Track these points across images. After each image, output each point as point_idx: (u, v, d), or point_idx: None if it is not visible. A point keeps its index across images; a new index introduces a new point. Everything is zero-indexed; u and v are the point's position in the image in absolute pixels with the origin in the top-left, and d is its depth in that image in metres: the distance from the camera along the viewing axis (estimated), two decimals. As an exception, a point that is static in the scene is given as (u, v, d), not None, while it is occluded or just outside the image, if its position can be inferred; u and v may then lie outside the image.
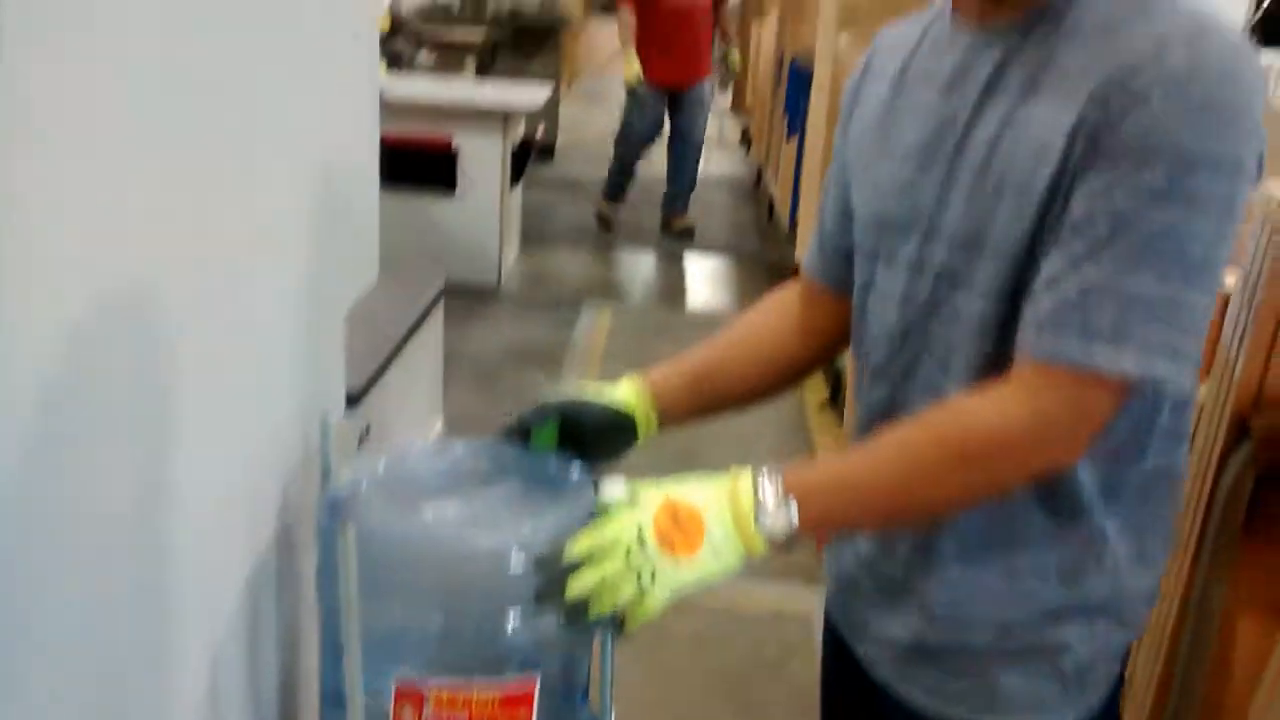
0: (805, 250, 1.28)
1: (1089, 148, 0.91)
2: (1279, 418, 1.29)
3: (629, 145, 6.04)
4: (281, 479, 1.16)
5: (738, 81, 9.16)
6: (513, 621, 1.07)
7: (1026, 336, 0.94)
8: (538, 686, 1.08)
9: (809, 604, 2.78)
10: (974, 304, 1.00)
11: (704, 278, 5.73)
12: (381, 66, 4.75)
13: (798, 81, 5.20)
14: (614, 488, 1.08)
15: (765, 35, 7.06)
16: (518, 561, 1.06)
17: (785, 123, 5.65)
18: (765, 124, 6.87)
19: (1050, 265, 0.93)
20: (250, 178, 1.05)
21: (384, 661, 1.08)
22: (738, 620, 2.78)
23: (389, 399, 1.63)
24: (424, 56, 5.76)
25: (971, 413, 0.96)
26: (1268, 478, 1.30)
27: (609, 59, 9.59)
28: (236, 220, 1.02)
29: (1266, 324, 1.31)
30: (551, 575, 0.96)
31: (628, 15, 5.69)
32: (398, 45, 5.60)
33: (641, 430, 1.20)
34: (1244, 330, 1.32)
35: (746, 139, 8.51)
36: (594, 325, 4.76)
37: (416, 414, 2.09)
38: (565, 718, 1.17)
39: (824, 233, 1.24)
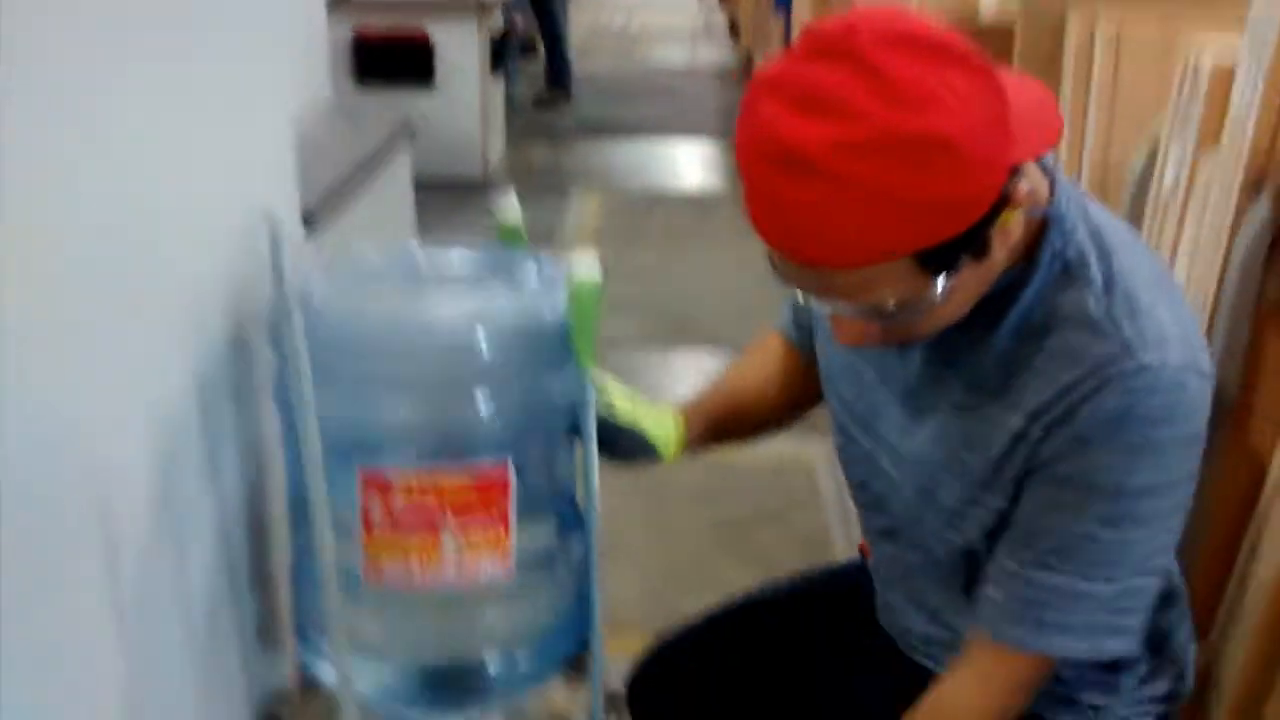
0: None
1: (1033, 459, 0.95)
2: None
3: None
4: (228, 281, 1.08)
5: (722, -30, 8.95)
6: (481, 403, 1.01)
7: (984, 613, 1.01)
8: (512, 473, 1.02)
9: (811, 455, 2.74)
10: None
11: (695, 161, 5.61)
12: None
13: (780, -45, 5.05)
14: (586, 264, 1.01)
15: (746, -86, 6.85)
16: (482, 337, 0.99)
17: (771, 1, 5.51)
18: (751, 4, 6.71)
19: (1004, 559, 0.99)
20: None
21: (350, 459, 1.01)
22: (739, 473, 2.73)
23: (352, 228, 1.54)
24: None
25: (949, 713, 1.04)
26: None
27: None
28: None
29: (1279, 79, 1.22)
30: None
31: None
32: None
33: (664, 456, 1.17)
34: (1255, 87, 1.23)
35: (735, 29, 8.33)
36: (584, 209, 4.68)
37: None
38: (546, 511, 1.11)
39: (797, 313, 1.24)
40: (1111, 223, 0.98)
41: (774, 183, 0.81)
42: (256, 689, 1.21)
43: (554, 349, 1.03)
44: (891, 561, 1.17)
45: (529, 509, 1.07)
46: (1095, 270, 0.93)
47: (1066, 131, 1.70)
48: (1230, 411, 1.25)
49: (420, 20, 4.65)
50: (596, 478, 1.09)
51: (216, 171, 1.06)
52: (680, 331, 3.61)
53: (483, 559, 1.03)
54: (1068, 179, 0.98)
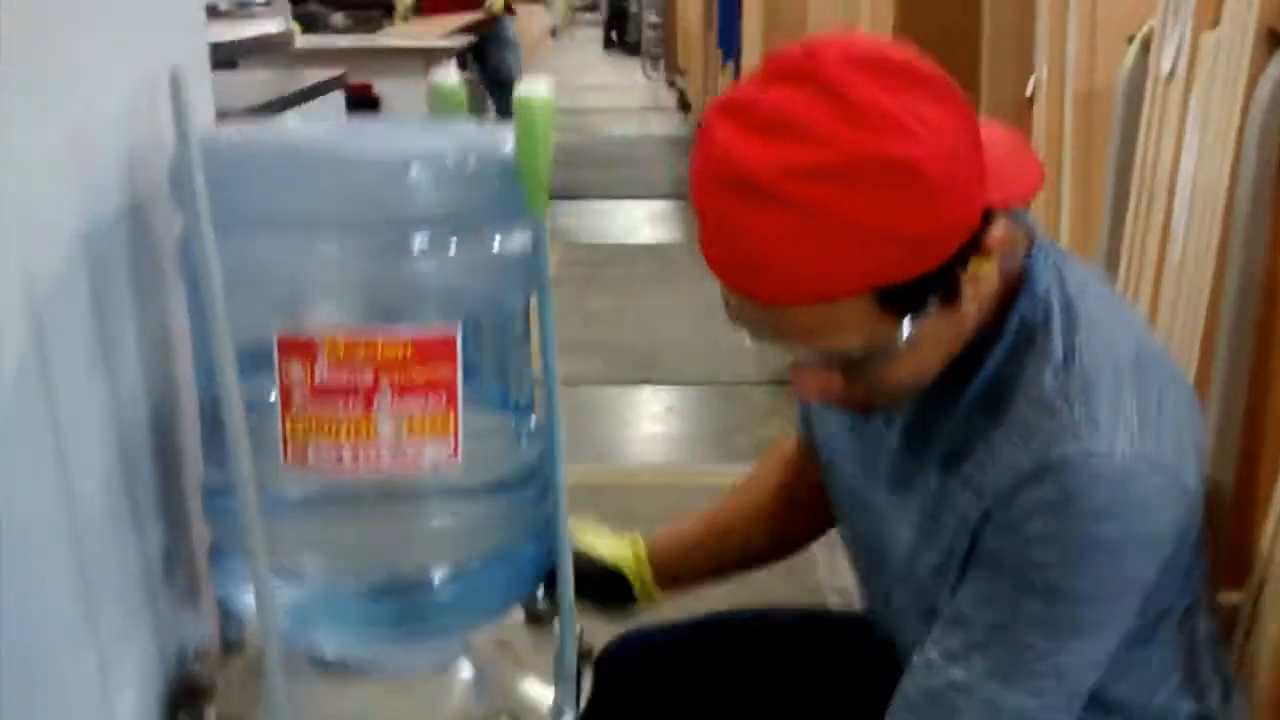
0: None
1: (974, 547, 0.90)
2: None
3: None
4: (128, 146, 0.94)
5: (668, 45, 9.04)
6: (419, 251, 0.86)
7: (895, 706, 0.95)
8: (460, 338, 0.87)
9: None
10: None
11: (651, 218, 5.58)
12: (296, 27, 4.54)
13: (728, 5, 5.14)
14: (535, 84, 0.89)
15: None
16: (417, 170, 0.85)
17: (720, 55, 5.59)
18: (700, 70, 6.77)
19: (928, 648, 0.93)
20: None
21: (268, 334, 0.86)
22: (703, 495, 2.58)
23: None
24: (340, 19, 5.55)
25: None
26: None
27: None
28: None
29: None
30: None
31: None
32: (311, 8, 5.38)
33: (639, 593, 1.15)
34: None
35: (685, 104, 8.41)
36: (541, 262, 4.60)
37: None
38: (500, 405, 0.96)
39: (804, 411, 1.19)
40: (1089, 291, 0.90)
41: (727, 210, 0.75)
42: (170, 646, 1.03)
43: (501, 192, 0.89)
44: (901, 655, 1.08)
45: (479, 397, 0.92)
46: (1057, 341, 0.87)
47: (1047, 56, 1.62)
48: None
49: (364, 72, 4.59)
50: (556, 366, 0.94)
51: (119, 25, 0.93)
52: (642, 369, 3.52)
53: (425, 442, 0.88)
54: (1050, 240, 0.91)
